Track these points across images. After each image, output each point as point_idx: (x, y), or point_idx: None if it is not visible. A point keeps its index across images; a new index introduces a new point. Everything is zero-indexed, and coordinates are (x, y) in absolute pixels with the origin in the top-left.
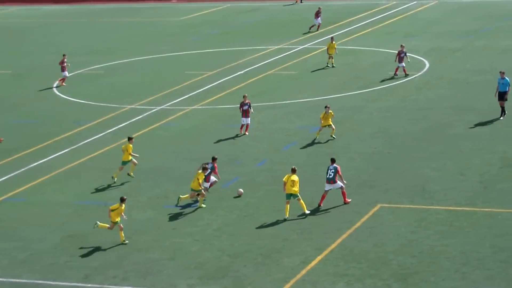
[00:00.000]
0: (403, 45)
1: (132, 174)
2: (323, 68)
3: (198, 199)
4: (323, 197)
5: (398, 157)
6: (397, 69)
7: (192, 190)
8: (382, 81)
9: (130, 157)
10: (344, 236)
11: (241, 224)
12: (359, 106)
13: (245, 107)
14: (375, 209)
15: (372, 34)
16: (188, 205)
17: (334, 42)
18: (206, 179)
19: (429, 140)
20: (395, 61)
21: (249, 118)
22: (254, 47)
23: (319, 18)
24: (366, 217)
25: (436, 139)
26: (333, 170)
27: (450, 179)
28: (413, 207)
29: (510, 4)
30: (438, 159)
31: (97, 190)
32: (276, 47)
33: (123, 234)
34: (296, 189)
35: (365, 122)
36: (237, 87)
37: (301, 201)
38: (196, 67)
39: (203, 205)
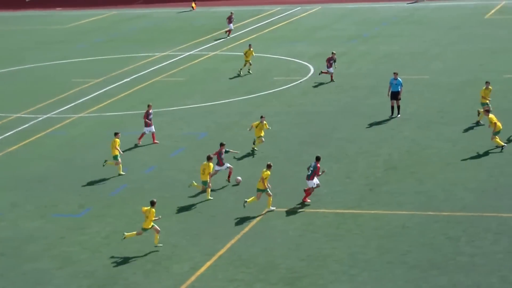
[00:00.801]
0: (334, 52)
1: (122, 172)
2: (211, 74)
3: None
4: (308, 194)
5: (285, 161)
6: (326, 72)
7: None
8: (269, 86)
9: (117, 152)
10: (233, 241)
11: (130, 232)
12: (247, 112)
13: (150, 117)
14: (264, 213)
15: (258, 39)
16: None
17: (252, 49)
18: (220, 163)
19: (316, 144)
20: (327, 67)
21: (153, 126)
22: (140, 54)
23: (232, 23)
24: (254, 221)
25: (322, 143)
26: (312, 169)
27: (337, 182)
28: (301, 210)
29: (387, 9)
30: (325, 163)
31: None
32: (163, 53)
33: (158, 237)
34: (261, 185)
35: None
36: (124, 94)
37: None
38: (83, 75)
39: (210, 198)
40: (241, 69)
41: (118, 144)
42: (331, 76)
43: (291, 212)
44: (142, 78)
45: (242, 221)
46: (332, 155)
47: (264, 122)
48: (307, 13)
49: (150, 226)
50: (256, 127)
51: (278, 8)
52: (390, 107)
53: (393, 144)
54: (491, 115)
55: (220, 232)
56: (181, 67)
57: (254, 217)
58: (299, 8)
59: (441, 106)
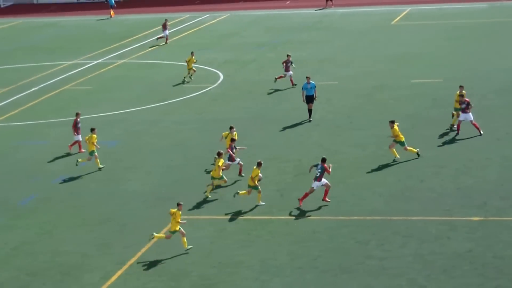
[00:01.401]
0: (289, 54)
1: (100, 165)
2: (120, 82)
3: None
4: (305, 195)
5: (196, 169)
6: (280, 77)
7: (213, 178)
8: (179, 93)
9: (94, 147)
10: (144, 249)
11: (39, 242)
12: (156, 120)
13: (79, 125)
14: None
15: (167, 47)
16: None
17: (193, 57)
18: (231, 158)
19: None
20: (284, 70)
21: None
22: (49, 63)
23: (167, 30)
24: (165, 229)
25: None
26: (319, 170)
27: (246, 188)
28: (212, 217)
29: (296, 16)
30: (235, 169)
31: None
32: (71, 62)
33: (185, 240)
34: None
35: (162, 135)
36: (32, 103)
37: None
38: None
39: (209, 196)
40: (185, 77)
41: (95, 139)
42: (291, 80)
43: (202, 219)
44: (50, 87)
45: (153, 229)
46: (243, 162)
47: (234, 132)
48: (216, 20)
49: (177, 229)
50: (226, 137)
51: (187, 15)
52: (308, 111)
53: (303, 149)
54: (395, 127)
55: (131, 240)
56: (89, 76)
57: (164, 226)
58: (208, 15)
59: (350, 112)
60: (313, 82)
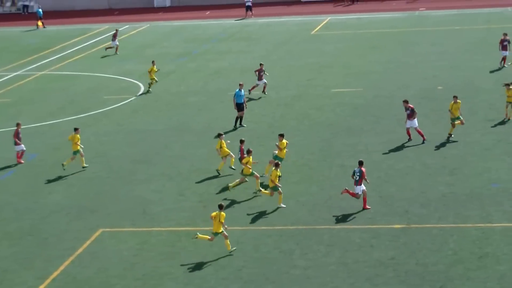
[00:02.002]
0: (262, 63)
1: (85, 164)
2: (39, 94)
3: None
4: (352, 195)
5: (118, 180)
6: (254, 87)
7: (244, 175)
8: (99, 105)
9: (78, 147)
10: (66, 263)
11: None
12: None
13: (20, 135)
14: (97, 234)
15: (86, 59)
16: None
17: (155, 66)
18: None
19: (148, 163)
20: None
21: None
22: None
23: (116, 40)
24: (88, 242)
25: (155, 161)
26: (358, 174)
27: (170, 200)
28: (135, 230)
29: (216, 26)
30: (158, 181)
31: None
32: None
33: (228, 242)
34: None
35: (82, 147)
36: None
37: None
38: None
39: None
40: (149, 88)
41: (78, 139)
42: (264, 88)
43: (125, 231)
44: None
45: (75, 242)
46: (165, 173)
47: (223, 140)
48: (135, 31)
49: (220, 230)
50: (220, 147)
51: (106, 26)
52: (236, 118)
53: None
54: (284, 140)
55: (53, 254)
56: (7, 88)
57: (87, 238)
58: (128, 26)
59: (271, 122)
60: (243, 90)
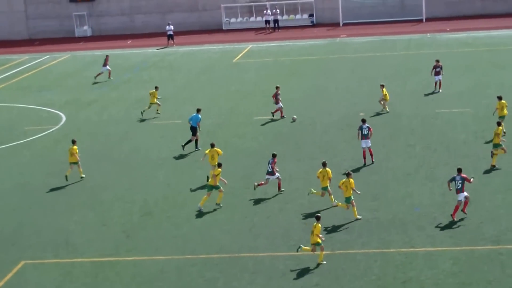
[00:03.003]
0: (278, 86)
1: (83, 175)
2: None
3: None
4: (456, 208)
5: (39, 211)
6: (276, 111)
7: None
8: (19, 136)
9: (77, 158)
10: None
11: None
12: None
13: None
14: (19, 266)
15: (5, 89)
16: None
17: (157, 91)
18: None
19: (70, 193)
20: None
21: None
22: None
23: (108, 65)
24: (9, 275)
25: (76, 191)
26: (460, 182)
27: (93, 230)
28: (58, 261)
29: (137, 55)
30: (80, 211)
31: None
32: None
33: (323, 255)
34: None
35: (2, 178)
36: None
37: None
38: None
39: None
40: (144, 110)
41: (76, 150)
42: (281, 112)
43: (47, 263)
44: None
45: None
46: (87, 203)
47: (216, 148)
48: (56, 61)
49: (318, 240)
50: (211, 157)
51: (26, 57)
52: (188, 140)
53: (148, 189)
54: (218, 169)
55: None
56: None
57: (8, 271)
58: (48, 56)
59: (193, 149)
60: (199, 115)
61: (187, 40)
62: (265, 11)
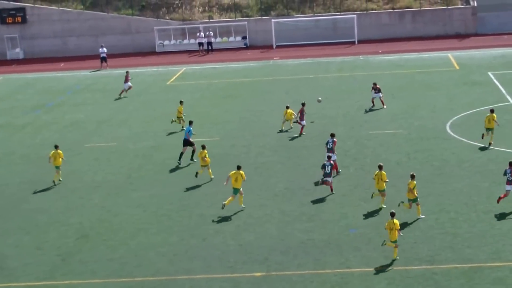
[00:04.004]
0: (304, 103)
1: (60, 178)
2: None
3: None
4: (503, 196)
5: None
6: (302, 128)
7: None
8: None
9: (61, 162)
10: None
11: None
12: None
13: None
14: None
15: None
16: None
17: (182, 106)
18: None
19: (4, 217)
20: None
21: None
22: None
23: (129, 81)
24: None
25: (11, 215)
26: (510, 174)
27: (28, 254)
28: None
29: (71, 78)
30: (15, 235)
31: None
32: None
33: (397, 251)
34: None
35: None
36: None
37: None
38: None
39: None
40: (175, 120)
41: (61, 155)
42: (302, 129)
43: None
44: None
45: None
46: (22, 227)
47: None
48: None
49: (397, 237)
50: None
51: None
52: (180, 154)
53: (84, 212)
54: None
55: None
56: None
57: None
58: None
59: (129, 172)
60: (190, 128)
61: (120, 62)
62: (198, 34)
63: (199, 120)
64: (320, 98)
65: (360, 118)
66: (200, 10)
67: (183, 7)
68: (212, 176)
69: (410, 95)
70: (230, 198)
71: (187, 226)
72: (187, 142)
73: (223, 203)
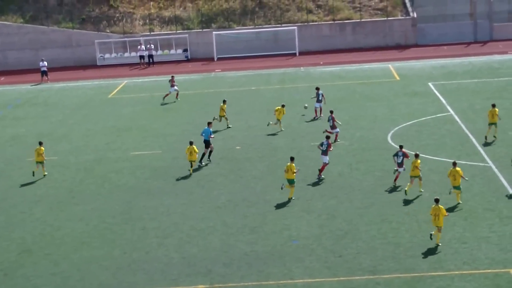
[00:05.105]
0: (332, 110)
1: (45, 173)
2: None
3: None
4: None
5: None
6: (336, 137)
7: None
8: None
9: (43, 158)
10: None
11: None
12: None
13: None
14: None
15: None
16: None
17: (225, 105)
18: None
19: None
20: None
21: None
22: None
23: (175, 86)
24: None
25: None
26: None
27: None
28: None
29: (11, 91)
30: None
31: None
32: None
33: (440, 236)
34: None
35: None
36: None
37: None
38: None
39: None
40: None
41: (43, 151)
42: (336, 136)
43: None
44: None
45: None
46: None
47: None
48: None
49: (442, 224)
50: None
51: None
52: (202, 154)
53: (26, 227)
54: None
55: None
56: None
57: None
58: None
59: (71, 186)
60: (210, 129)
61: (61, 76)
62: (139, 47)
63: (141, 133)
64: (306, 105)
65: (302, 129)
66: (141, 23)
67: (124, 20)
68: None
69: (351, 106)
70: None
71: (129, 239)
72: (207, 144)
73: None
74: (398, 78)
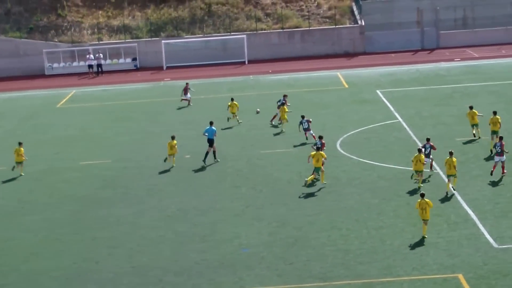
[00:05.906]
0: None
1: (22, 173)
2: None
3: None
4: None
5: None
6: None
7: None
8: None
9: (23, 158)
10: None
11: None
12: None
13: None
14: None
15: None
16: None
17: (234, 102)
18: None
19: None
20: None
21: None
22: None
23: (188, 93)
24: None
25: None
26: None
27: None
28: None
29: None
30: None
31: None
32: None
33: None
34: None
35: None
36: None
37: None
38: None
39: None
40: (230, 118)
41: (22, 151)
42: None
43: None
44: None
45: None
46: None
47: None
48: None
49: (428, 217)
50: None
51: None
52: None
53: None
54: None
55: None
56: None
57: None
58: None
59: (20, 196)
60: (213, 128)
61: (8, 86)
62: (88, 56)
63: (91, 143)
64: (258, 110)
65: (252, 137)
66: (89, 32)
67: (72, 29)
68: (174, 165)
69: (300, 114)
70: (311, 176)
71: (79, 250)
72: (211, 142)
73: (305, 180)
74: (346, 85)
